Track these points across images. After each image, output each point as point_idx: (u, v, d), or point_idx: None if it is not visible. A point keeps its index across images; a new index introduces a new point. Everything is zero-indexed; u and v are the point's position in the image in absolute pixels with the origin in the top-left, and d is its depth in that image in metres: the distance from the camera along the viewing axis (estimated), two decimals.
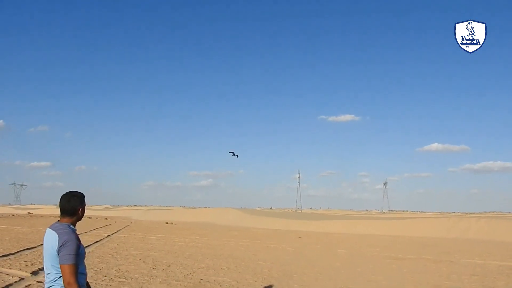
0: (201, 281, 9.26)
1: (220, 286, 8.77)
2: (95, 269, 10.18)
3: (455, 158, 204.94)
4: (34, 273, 9.19)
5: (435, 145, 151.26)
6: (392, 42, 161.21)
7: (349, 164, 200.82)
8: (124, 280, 8.94)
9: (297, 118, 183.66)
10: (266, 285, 9.01)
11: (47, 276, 2.88)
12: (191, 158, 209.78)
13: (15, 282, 8.11)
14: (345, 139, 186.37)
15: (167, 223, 44.19)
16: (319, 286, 9.16)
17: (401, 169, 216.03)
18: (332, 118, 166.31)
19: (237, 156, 25.96)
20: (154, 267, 11.13)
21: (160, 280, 9.16)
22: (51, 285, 2.85)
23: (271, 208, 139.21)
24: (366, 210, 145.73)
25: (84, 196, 3.05)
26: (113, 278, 9.10)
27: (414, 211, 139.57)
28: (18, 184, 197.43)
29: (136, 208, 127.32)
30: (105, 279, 8.94)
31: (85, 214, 3.12)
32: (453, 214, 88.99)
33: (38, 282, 8.16)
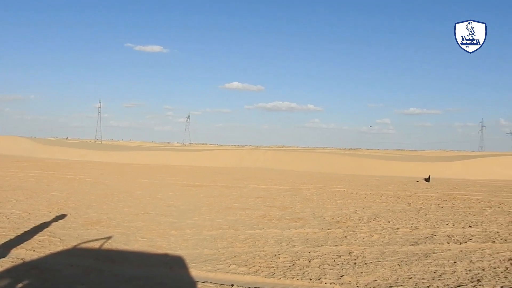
0: None
1: (8, 218, 7.96)
2: None
3: (251, 97, 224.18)
4: None
5: (235, 84, 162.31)
6: None
7: (154, 97, 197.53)
8: None
9: (100, 45, 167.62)
10: (62, 215, 8.59)
11: None
12: None
13: None
14: (151, 70, 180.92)
15: None
16: (119, 213, 9.23)
17: (204, 104, 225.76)
18: (139, 47, 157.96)
19: None
20: None
21: None
22: None
23: (67, 138, 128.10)
24: (168, 143, 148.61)
25: None
26: None
27: (213, 144, 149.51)
28: None
29: None
30: None
31: None
32: (246, 147, 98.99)
33: None
